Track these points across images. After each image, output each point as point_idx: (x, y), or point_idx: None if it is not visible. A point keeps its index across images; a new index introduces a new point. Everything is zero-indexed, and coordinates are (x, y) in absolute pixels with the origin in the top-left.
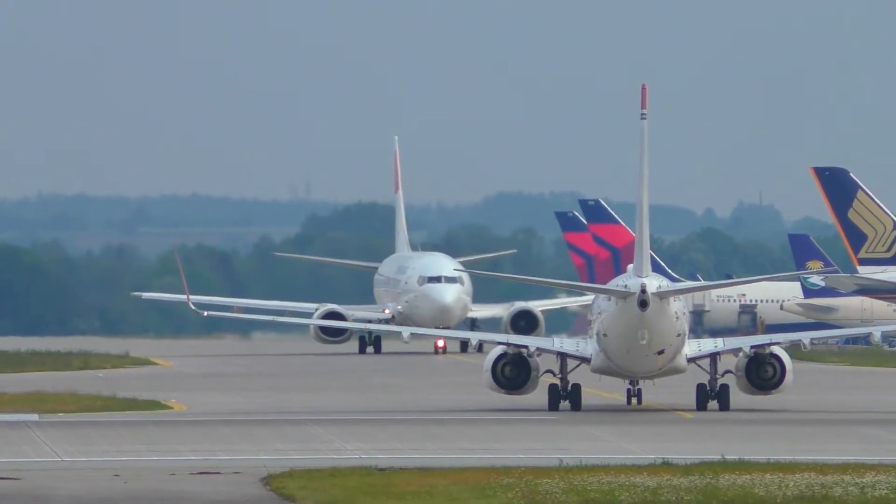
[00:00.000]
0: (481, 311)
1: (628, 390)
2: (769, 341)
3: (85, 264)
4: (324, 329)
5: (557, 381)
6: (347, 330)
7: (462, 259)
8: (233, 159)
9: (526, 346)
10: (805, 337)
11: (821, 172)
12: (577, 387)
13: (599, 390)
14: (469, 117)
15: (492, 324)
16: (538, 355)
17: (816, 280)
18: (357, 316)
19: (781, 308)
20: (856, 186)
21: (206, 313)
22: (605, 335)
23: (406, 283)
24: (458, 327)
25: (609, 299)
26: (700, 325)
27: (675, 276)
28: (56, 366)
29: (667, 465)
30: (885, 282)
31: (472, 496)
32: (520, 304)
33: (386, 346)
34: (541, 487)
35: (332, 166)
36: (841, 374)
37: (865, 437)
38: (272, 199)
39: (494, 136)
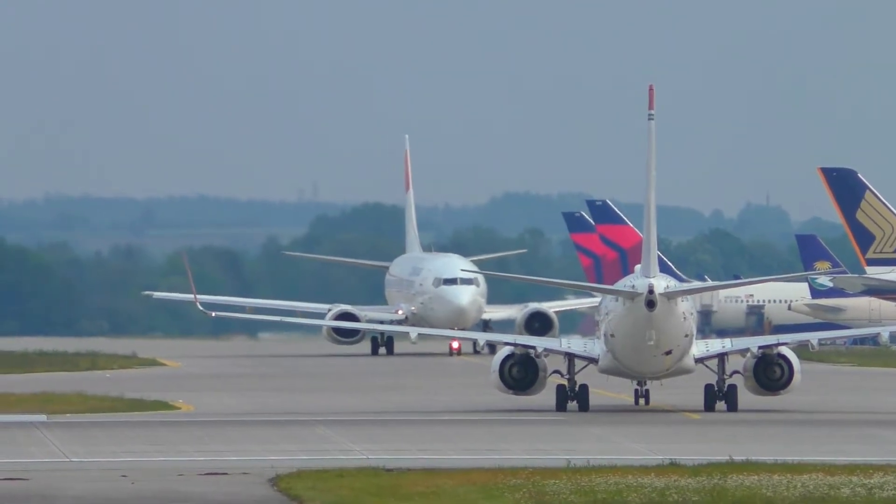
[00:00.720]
0: (494, 313)
1: (636, 391)
2: (777, 342)
3: (93, 265)
4: (336, 330)
5: (565, 382)
6: (360, 331)
7: (473, 259)
8: (240, 160)
9: (533, 347)
10: (813, 337)
11: (828, 173)
12: (584, 387)
13: (607, 391)
14: (476, 118)
15: (505, 325)
16: (546, 356)
17: (824, 280)
18: (370, 317)
19: (789, 308)
20: (863, 187)
21: (213, 314)
22: (612, 336)
23: (421, 284)
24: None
25: (617, 300)
26: (708, 325)
27: (682, 276)
28: (64, 366)
29: (674, 466)
30: (892, 282)
31: (480, 497)
32: (534, 306)
33: (399, 347)
34: (548, 488)
35: (339, 167)
36: (849, 375)
37: (873, 437)
38: (279, 200)
39: (501, 136)
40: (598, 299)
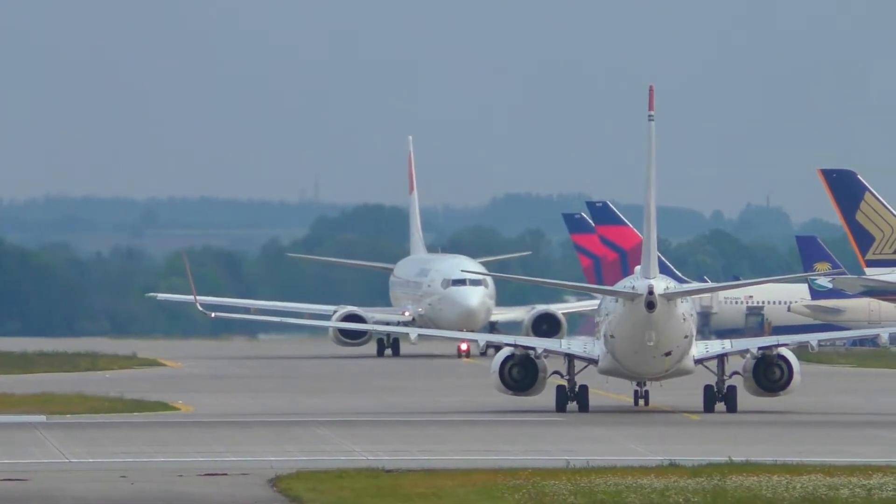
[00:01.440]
0: (501, 315)
1: (635, 392)
2: (776, 343)
3: (93, 266)
4: (343, 331)
5: (565, 383)
6: (367, 332)
7: (479, 261)
8: (240, 161)
9: (533, 348)
10: (812, 338)
11: (828, 174)
12: (584, 388)
13: (607, 392)
14: (476, 119)
15: (512, 327)
16: (546, 357)
17: (824, 282)
18: (376, 318)
19: (789, 310)
20: (863, 188)
21: (213, 314)
22: (612, 336)
23: (429, 285)
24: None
25: (616, 301)
26: (707, 326)
27: (682, 277)
28: (64, 367)
29: (674, 467)
30: (892, 283)
31: (480, 498)
32: (541, 308)
33: (406, 349)
34: (548, 489)
35: (339, 168)
36: (848, 376)
37: (873, 438)
38: (280, 201)
39: (502, 138)
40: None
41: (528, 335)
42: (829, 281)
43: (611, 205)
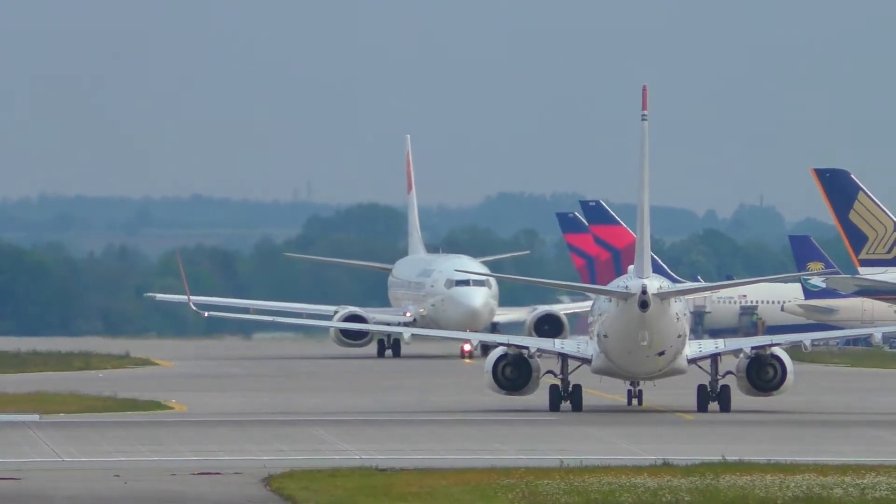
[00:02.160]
0: (503, 315)
1: (629, 391)
2: (770, 342)
3: (87, 265)
4: (344, 332)
5: (558, 382)
6: (368, 333)
7: (479, 260)
8: (234, 161)
9: (526, 347)
10: (806, 338)
11: (822, 174)
12: (577, 387)
13: (600, 391)
14: (470, 119)
15: (514, 327)
16: (539, 356)
17: (817, 281)
18: (378, 319)
19: (782, 309)
20: (856, 188)
21: (206, 314)
22: (605, 336)
23: (432, 286)
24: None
25: (610, 300)
26: (701, 326)
27: (676, 277)
28: (57, 366)
29: (667, 466)
30: (885, 283)
31: (473, 497)
32: (543, 308)
33: (406, 349)
34: (541, 488)
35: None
36: (841, 376)
37: (866, 438)
38: (274, 201)
39: (495, 137)
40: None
41: (530, 335)
42: (823, 280)
43: (604, 204)
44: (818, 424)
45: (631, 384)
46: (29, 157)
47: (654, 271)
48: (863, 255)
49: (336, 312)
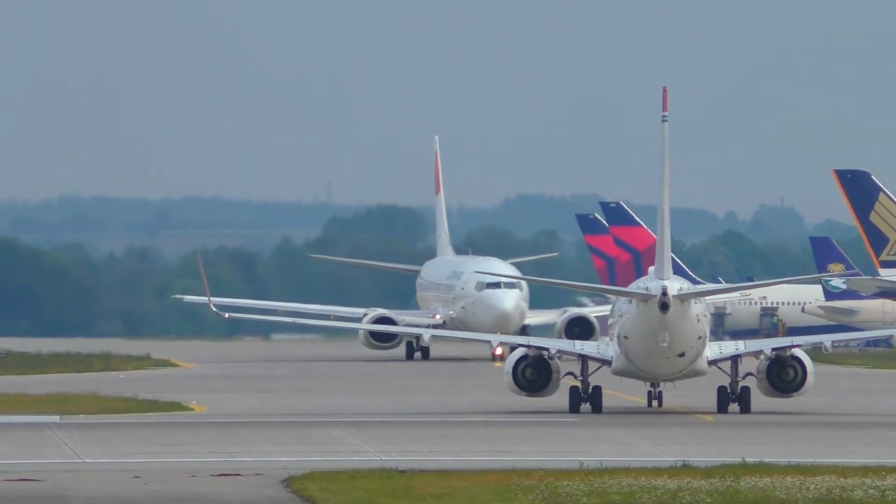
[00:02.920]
0: (534, 318)
1: (649, 392)
2: (790, 344)
3: (107, 266)
4: (373, 334)
5: (578, 384)
6: (397, 335)
7: (509, 262)
8: (254, 161)
9: (547, 349)
10: (826, 339)
11: (842, 175)
12: (597, 389)
13: (620, 392)
14: (490, 120)
15: (545, 330)
16: (559, 358)
17: (838, 282)
18: (407, 321)
19: (803, 311)
20: (877, 189)
21: (226, 315)
22: (625, 337)
23: (462, 288)
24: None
25: (630, 302)
26: (721, 327)
27: (696, 278)
28: (77, 367)
29: (687, 468)
30: None
31: (493, 498)
32: (574, 311)
33: (436, 352)
34: (561, 490)
35: (353, 168)
36: (862, 377)
37: (886, 439)
38: (293, 201)
39: (515, 138)
40: None
41: (560, 338)
42: (844, 282)
43: (624, 205)
44: (839, 426)
45: (651, 385)
46: (48, 160)
47: (675, 273)
48: (883, 257)
49: (365, 315)
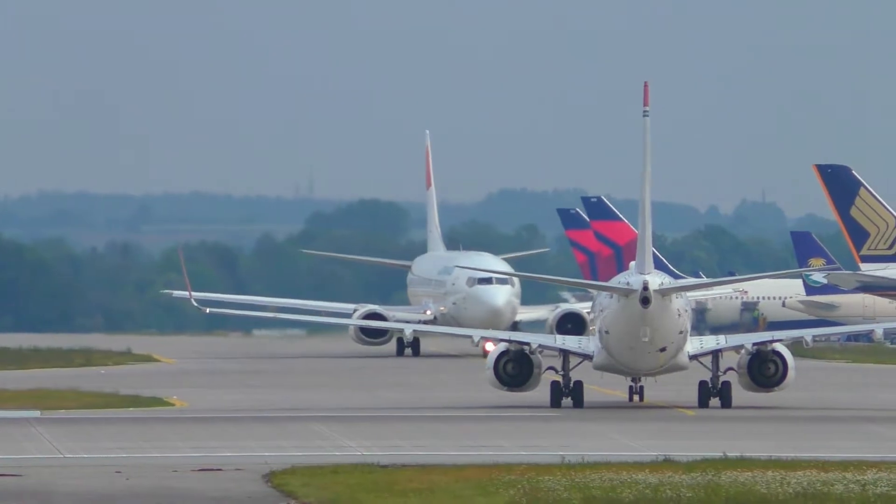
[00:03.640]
0: (525, 314)
1: (630, 387)
2: (771, 338)
3: (88, 262)
4: (364, 330)
5: (559, 378)
6: (388, 331)
7: (502, 257)
8: (235, 156)
9: (528, 343)
10: (807, 334)
11: (823, 170)
12: (579, 384)
13: (602, 387)
14: (471, 115)
15: (536, 326)
16: (540, 352)
17: (818, 277)
18: (398, 317)
19: (783, 305)
20: (858, 184)
21: (207, 310)
22: (607, 332)
23: (454, 283)
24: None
25: (611, 296)
26: (702, 322)
27: (677, 273)
28: (58, 363)
29: (669, 462)
30: (886, 279)
31: (475, 493)
32: (566, 307)
33: (426, 348)
34: (543, 484)
35: (334, 164)
36: (843, 372)
37: (867, 434)
38: (275, 197)
39: (497, 133)
40: None
41: (552, 334)
42: (824, 276)
43: (606, 200)
44: (819, 420)
45: (632, 380)
46: (29, 155)
47: (656, 267)
48: (864, 251)
49: (355, 310)
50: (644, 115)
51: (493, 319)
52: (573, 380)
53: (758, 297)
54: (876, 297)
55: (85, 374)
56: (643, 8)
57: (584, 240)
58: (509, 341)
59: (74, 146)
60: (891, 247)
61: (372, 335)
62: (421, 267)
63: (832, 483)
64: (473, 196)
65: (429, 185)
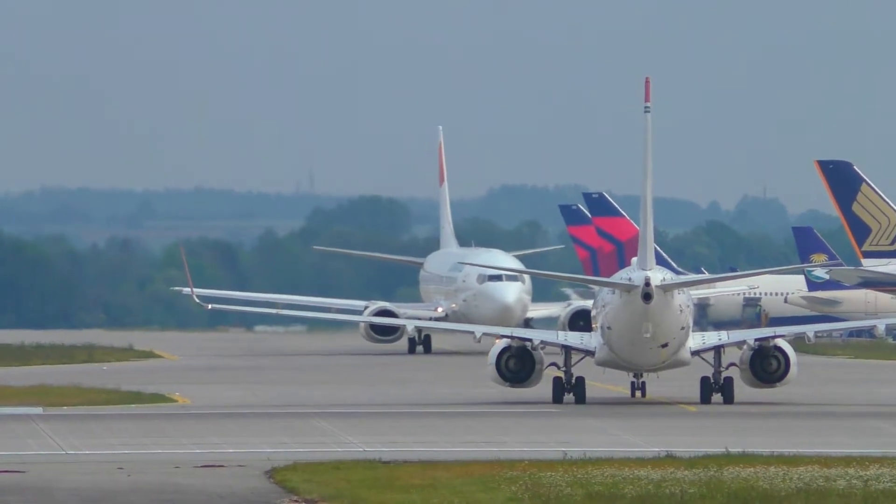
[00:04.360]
0: (537, 311)
1: (632, 383)
2: (773, 334)
3: (90, 258)
4: (374, 327)
5: (561, 374)
6: (399, 329)
7: (514, 254)
8: (237, 153)
9: (530, 340)
10: (809, 330)
11: (825, 165)
12: (581, 380)
13: (604, 383)
14: (473, 111)
15: (548, 323)
16: (542, 348)
17: (820, 273)
18: (409, 314)
19: (785, 301)
20: (860, 179)
21: (209, 306)
22: (609, 328)
23: (464, 280)
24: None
25: (613, 292)
26: (704, 317)
27: (679, 269)
28: (60, 359)
29: (671, 458)
30: (889, 274)
31: (477, 489)
32: (578, 304)
33: (437, 345)
34: (545, 480)
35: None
36: (845, 367)
37: (869, 429)
38: (276, 193)
39: (499, 129)
40: None
41: (564, 331)
42: (826, 272)
43: (607, 196)
44: (821, 416)
45: (634, 376)
46: (31, 151)
47: (658, 263)
48: (866, 247)
49: (366, 307)
50: (645, 111)
51: (503, 316)
52: (575, 376)
53: (760, 293)
54: (878, 292)
55: (87, 370)
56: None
57: (585, 236)
58: (511, 337)
59: (76, 143)
60: (893, 242)
61: (382, 332)
62: (433, 264)
63: (834, 479)
64: (475, 192)
65: (441, 181)
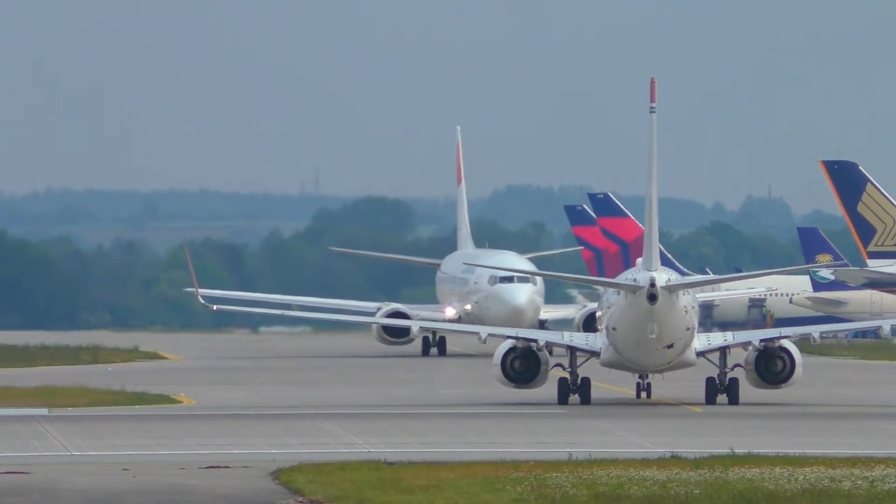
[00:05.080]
0: (552, 312)
1: (638, 384)
2: (778, 335)
3: (95, 258)
4: (387, 329)
5: (567, 375)
6: (411, 330)
7: (527, 257)
8: (242, 153)
9: (535, 340)
10: (814, 330)
11: (830, 166)
12: (586, 381)
13: (609, 384)
14: (478, 112)
15: (563, 325)
16: (548, 349)
17: (826, 273)
18: (422, 316)
19: (791, 302)
20: (865, 180)
21: (215, 307)
22: (614, 329)
23: (476, 282)
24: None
25: (618, 293)
26: (709, 318)
27: (684, 269)
28: (66, 360)
29: (676, 459)
30: (894, 275)
31: (482, 490)
32: (592, 306)
33: (452, 347)
34: (550, 481)
35: (340, 160)
36: (850, 368)
37: (874, 430)
38: (281, 193)
39: (504, 130)
40: None
41: (578, 332)
42: (831, 273)
43: (612, 196)
44: (827, 417)
45: (640, 377)
46: (36, 152)
47: (663, 264)
48: (871, 247)
49: (379, 309)
50: (651, 112)
51: (515, 318)
52: (580, 376)
53: (765, 294)
54: (883, 293)
55: (92, 371)
56: (649, 5)
57: (590, 236)
58: (516, 338)
59: (81, 144)
60: None
61: (395, 334)
62: (449, 265)
63: (840, 479)
64: (480, 193)
65: (459, 181)
